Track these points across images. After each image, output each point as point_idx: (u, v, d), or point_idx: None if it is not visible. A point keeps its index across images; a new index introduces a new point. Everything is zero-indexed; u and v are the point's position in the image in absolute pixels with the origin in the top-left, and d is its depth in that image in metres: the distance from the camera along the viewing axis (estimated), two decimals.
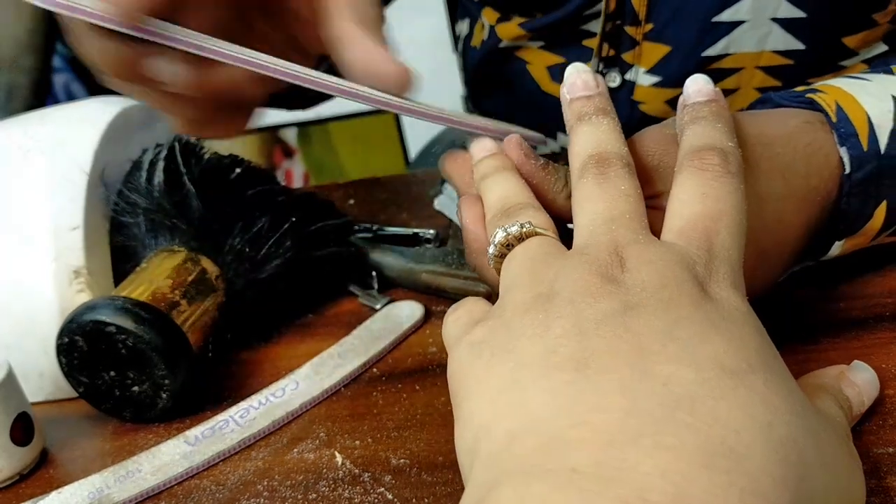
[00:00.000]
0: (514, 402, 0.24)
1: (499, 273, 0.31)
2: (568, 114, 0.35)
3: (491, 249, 0.32)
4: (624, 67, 0.59)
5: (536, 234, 0.31)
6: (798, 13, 0.53)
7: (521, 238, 0.31)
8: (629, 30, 0.57)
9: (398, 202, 0.63)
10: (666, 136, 0.35)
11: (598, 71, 0.60)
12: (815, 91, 0.39)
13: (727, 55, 0.56)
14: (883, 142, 0.37)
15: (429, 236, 0.56)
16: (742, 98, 0.58)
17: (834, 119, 0.38)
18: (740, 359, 0.24)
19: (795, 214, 0.36)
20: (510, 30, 0.64)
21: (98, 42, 0.35)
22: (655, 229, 0.30)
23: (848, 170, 0.37)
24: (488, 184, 0.35)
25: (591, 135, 0.33)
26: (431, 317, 0.49)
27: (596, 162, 0.31)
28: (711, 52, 0.56)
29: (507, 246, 0.31)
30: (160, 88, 0.37)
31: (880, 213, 0.38)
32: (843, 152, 0.37)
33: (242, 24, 0.41)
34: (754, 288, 0.29)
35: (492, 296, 0.32)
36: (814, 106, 0.39)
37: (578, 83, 0.35)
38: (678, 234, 0.29)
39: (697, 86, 0.34)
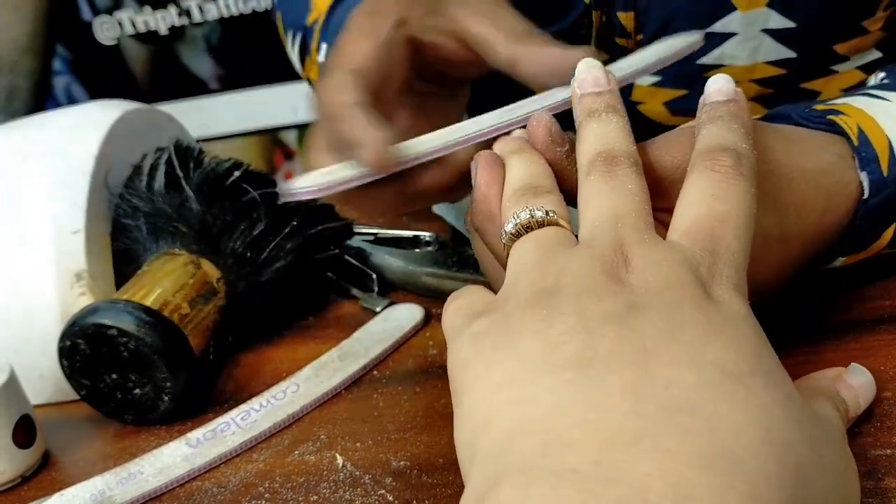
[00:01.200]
0: (515, 400, 0.24)
1: (507, 252, 0.31)
2: (577, 110, 0.34)
3: (509, 227, 0.31)
4: None
5: (556, 224, 0.31)
6: (788, 23, 0.53)
7: (542, 224, 0.30)
8: (620, 41, 0.57)
9: None
10: (690, 145, 0.34)
11: None
12: (836, 112, 0.39)
13: (721, 66, 0.56)
14: None
15: (428, 239, 0.56)
16: None
17: (856, 143, 0.37)
18: (741, 362, 0.24)
19: (802, 250, 0.36)
20: None
21: (367, 200, 0.38)
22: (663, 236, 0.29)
23: (867, 195, 0.37)
24: (518, 159, 0.34)
25: (599, 132, 0.32)
26: (431, 319, 0.49)
27: (604, 159, 0.31)
28: (706, 60, 0.56)
29: (527, 228, 0.31)
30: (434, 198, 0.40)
31: (888, 233, 0.38)
32: (864, 177, 0.37)
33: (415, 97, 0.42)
34: (750, 299, 0.29)
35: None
36: (834, 128, 0.38)
37: (589, 79, 0.34)
38: (683, 234, 0.29)
39: (718, 85, 0.34)
